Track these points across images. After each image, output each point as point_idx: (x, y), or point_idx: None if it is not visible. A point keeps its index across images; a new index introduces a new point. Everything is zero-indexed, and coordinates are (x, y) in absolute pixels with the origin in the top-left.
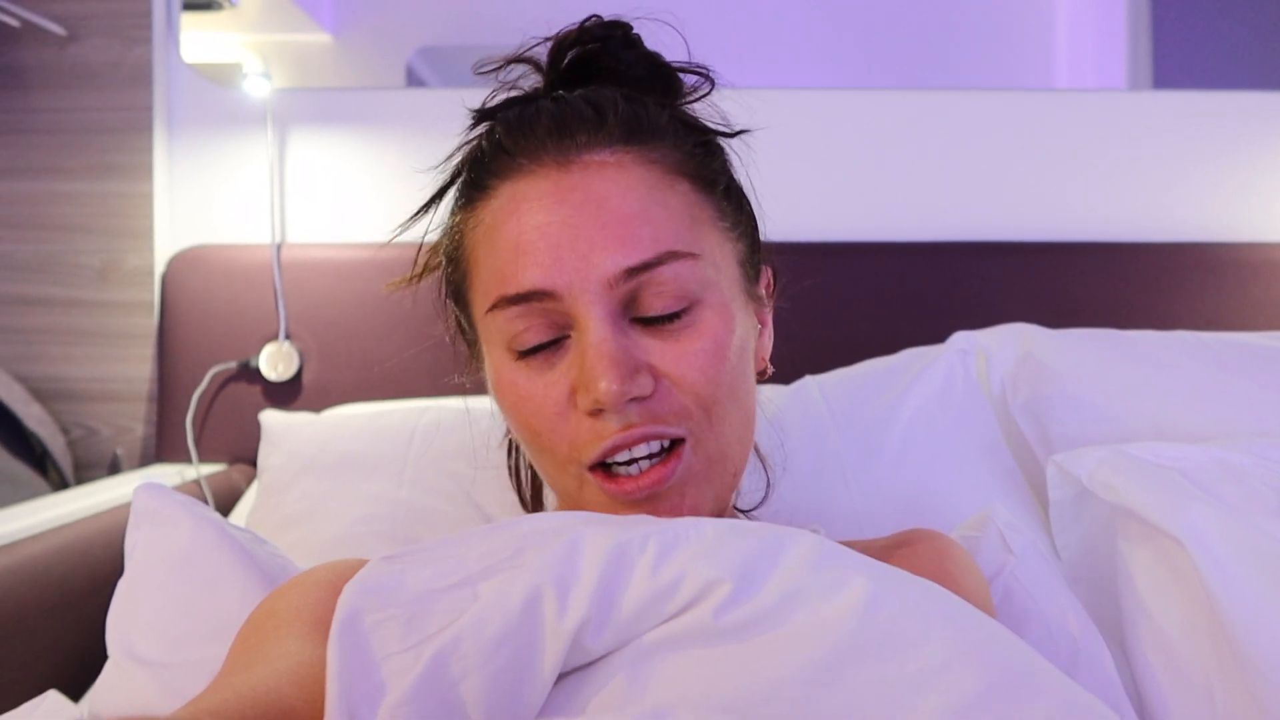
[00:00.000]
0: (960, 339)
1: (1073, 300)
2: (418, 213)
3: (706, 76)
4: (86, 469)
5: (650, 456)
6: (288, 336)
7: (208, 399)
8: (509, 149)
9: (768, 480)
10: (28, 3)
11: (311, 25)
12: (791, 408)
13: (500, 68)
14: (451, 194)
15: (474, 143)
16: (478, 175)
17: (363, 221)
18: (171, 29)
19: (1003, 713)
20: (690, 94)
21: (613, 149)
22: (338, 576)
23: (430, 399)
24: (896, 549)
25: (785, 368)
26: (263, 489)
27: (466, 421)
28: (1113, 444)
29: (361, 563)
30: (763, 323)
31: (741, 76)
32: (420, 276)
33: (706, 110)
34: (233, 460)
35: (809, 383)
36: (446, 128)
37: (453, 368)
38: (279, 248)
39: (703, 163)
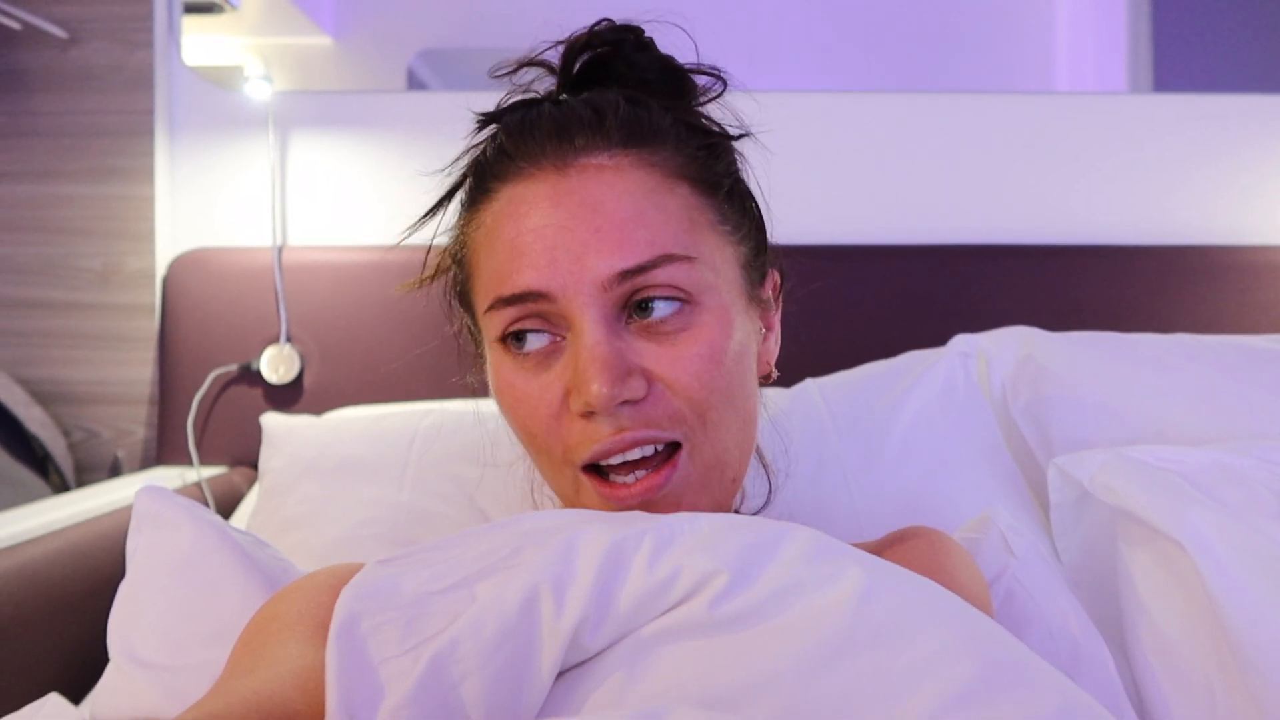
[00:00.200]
0: (961, 342)
1: (1073, 303)
2: (425, 215)
3: (719, 78)
4: (88, 472)
5: (644, 460)
6: (289, 339)
7: (209, 402)
8: (510, 152)
9: (770, 485)
10: (29, 5)
11: (313, 28)
12: (792, 410)
13: (513, 71)
14: (459, 197)
15: (480, 146)
16: (481, 178)
17: (364, 224)
18: (173, 32)
19: (997, 702)
20: (703, 96)
21: (611, 152)
22: (338, 580)
23: (431, 402)
24: (891, 546)
25: (786, 370)
26: (264, 492)
27: (468, 424)
28: (1113, 447)
29: (362, 567)
30: (768, 326)
31: (741, 79)
32: (432, 278)
33: (719, 113)
34: (234, 463)
35: (810, 385)
36: (447, 131)
37: (453, 370)
38: (280, 250)
39: (705, 166)
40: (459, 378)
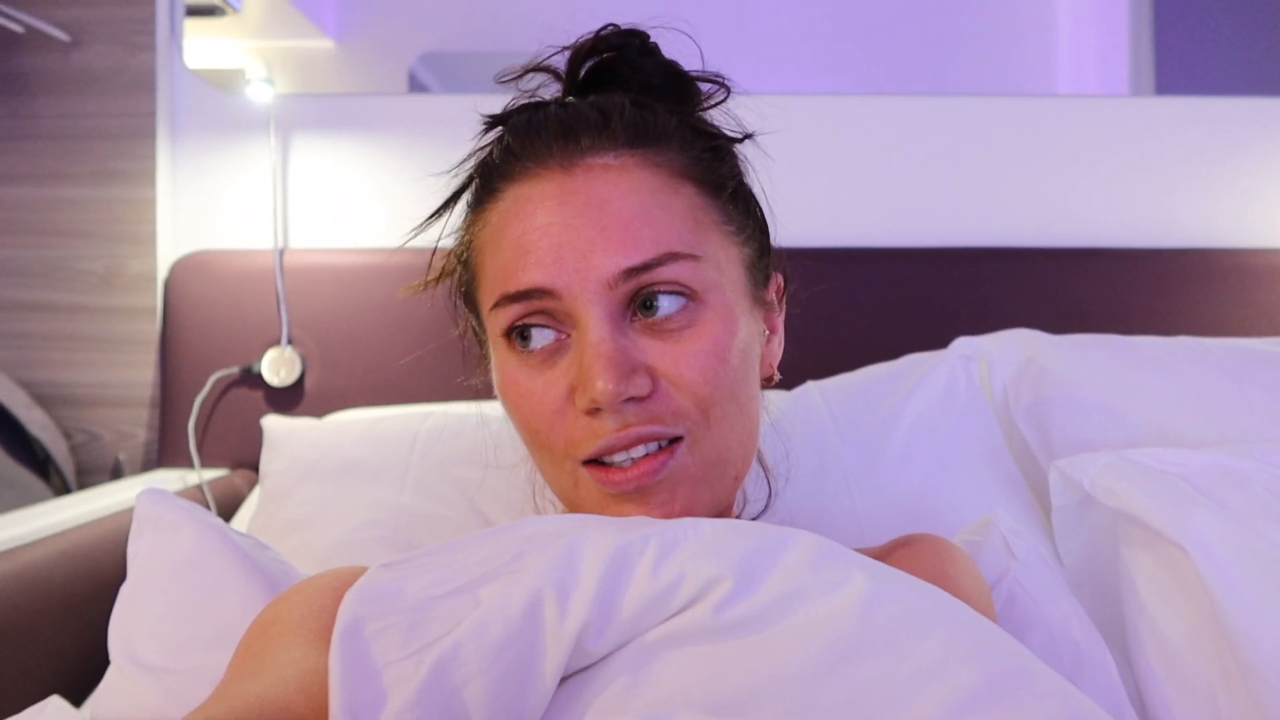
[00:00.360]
0: (962, 344)
1: (1075, 305)
2: (431, 216)
3: (723, 84)
4: (89, 474)
5: (647, 456)
6: (290, 342)
7: (210, 404)
8: (516, 152)
9: (770, 489)
10: (31, 8)
11: (314, 31)
12: (793, 413)
13: (519, 76)
14: (465, 199)
15: (486, 148)
16: (487, 179)
17: (365, 227)
18: (175, 35)
19: (1002, 708)
20: (707, 101)
21: (616, 152)
22: (341, 583)
23: (432, 404)
24: (894, 552)
25: (787, 372)
26: (265, 494)
27: (469, 427)
28: (1115, 449)
29: (365, 570)
30: (772, 328)
31: (742, 82)
32: (437, 280)
33: (722, 118)
34: (235, 465)
35: (811, 388)
36: (449, 133)
37: (455, 373)
38: (281, 253)
39: (709, 167)
40: (464, 379)
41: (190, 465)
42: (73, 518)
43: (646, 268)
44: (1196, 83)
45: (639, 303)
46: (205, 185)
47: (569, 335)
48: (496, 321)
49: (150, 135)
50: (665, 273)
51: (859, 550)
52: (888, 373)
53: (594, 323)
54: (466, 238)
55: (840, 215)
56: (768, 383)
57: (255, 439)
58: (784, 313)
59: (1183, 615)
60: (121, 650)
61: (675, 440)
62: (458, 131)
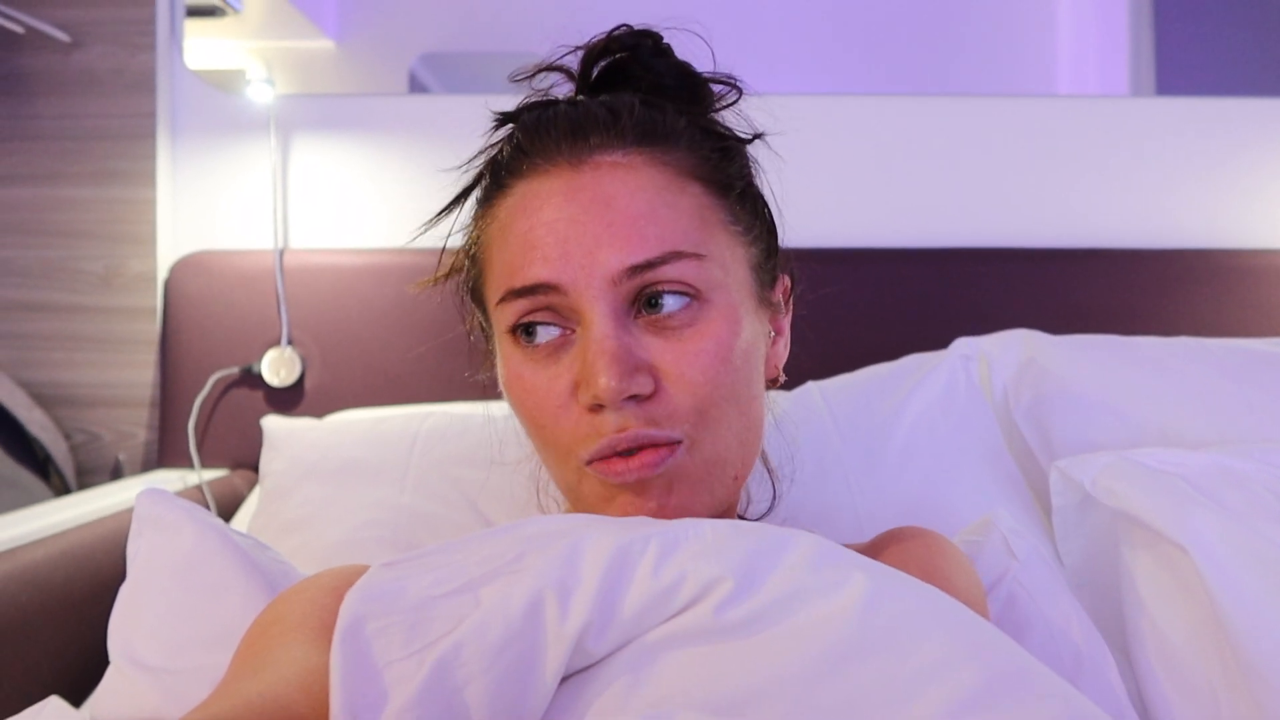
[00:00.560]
0: (962, 344)
1: (1075, 306)
2: (441, 212)
3: (734, 86)
4: (89, 474)
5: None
6: (290, 342)
7: (210, 404)
8: (526, 149)
9: (774, 491)
10: (32, 9)
11: (315, 31)
12: (794, 413)
13: (532, 76)
14: (474, 195)
15: (496, 146)
16: (496, 175)
17: (365, 227)
18: (175, 35)
19: (1002, 709)
20: (718, 102)
21: (625, 150)
22: (342, 582)
23: (433, 404)
24: (887, 546)
25: (788, 372)
26: (265, 494)
27: (469, 427)
28: (1115, 449)
29: (366, 569)
30: (778, 330)
31: (743, 82)
32: (446, 277)
33: (731, 118)
34: (235, 466)
35: (811, 388)
36: (449, 133)
37: (455, 372)
38: (282, 253)
39: (717, 167)
40: (470, 374)
41: (190, 465)
42: (73, 518)
43: (651, 265)
44: (1196, 83)
45: (643, 300)
46: (205, 185)
47: (573, 331)
48: (502, 316)
49: (150, 135)
50: (670, 271)
51: (849, 546)
52: (888, 373)
53: (598, 319)
54: (474, 233)
55: (840, 216)
56: (773, 384)
57: (255, 439)
58: (790, 315)
59: (1183, 615)
60: (121, 650)
61: (674, 443)
62: (458, 132)
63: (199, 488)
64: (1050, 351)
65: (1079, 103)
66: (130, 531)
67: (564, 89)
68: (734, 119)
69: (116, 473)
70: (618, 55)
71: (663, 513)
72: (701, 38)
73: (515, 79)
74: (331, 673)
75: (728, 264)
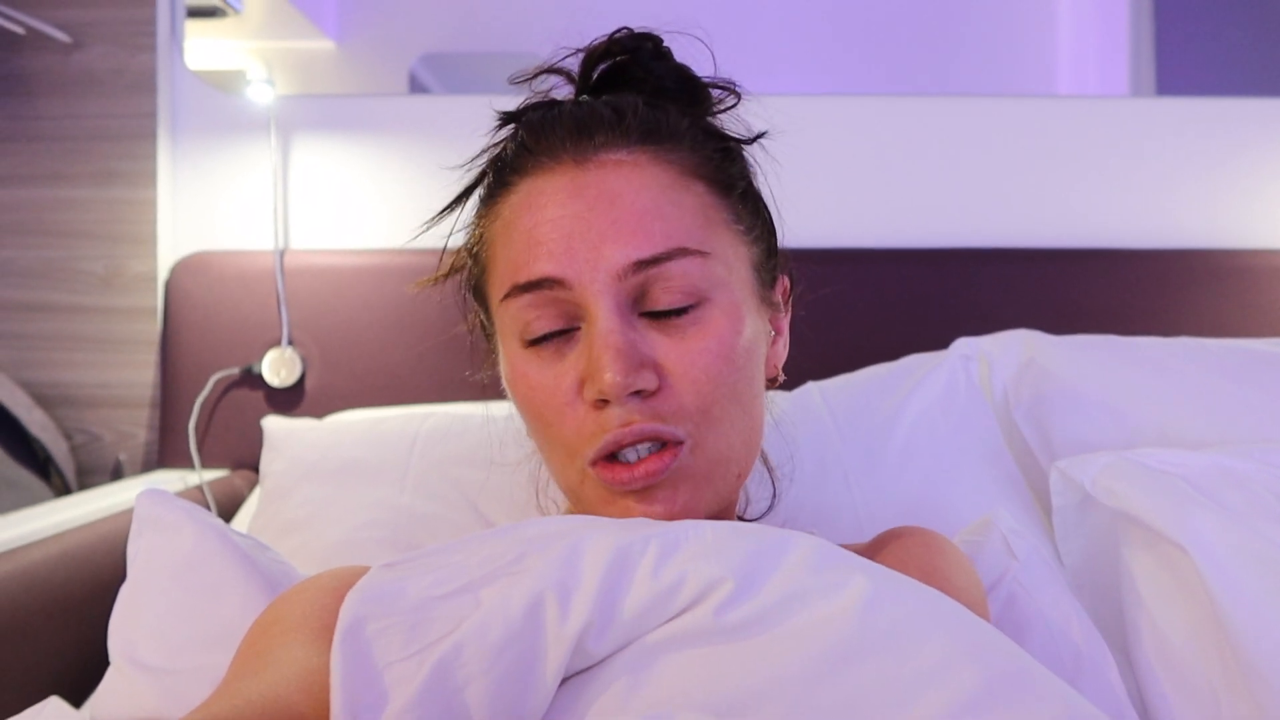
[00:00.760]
0: (962, 345)
1: (1075, 306)
2: (444, 210)
3: (733, 91)
4: (89, 475)
5: (652, 455)
6: (290, 342)
7: (210, 405)
8: (530, 147)
9: (774, 490)
10: (32, 10)
11: (315, 32)
12: (794, 413)
13: (533, 77)
14: (477, 193)
15: (499, 145)
16: (500, 173)
17: (365, 227)
18: (175, 36)
19: (1002, 711)
20: (717, 105)
21: (630, 148)
22: (342, 583)
23: (433, 405)
24: (885, 546)
25: (788, 372)
26: (265, 495)
27: (469, 427)
28: (1115, 449)
29: (366, 569)
30: (777, 330)
31: (742, 83)
32: (447, 275)
33: (729, 121)
34: (235, 466)
35: (811, 388)
36: (449, 134)
37: (455, 373)
38: (282, 254)
39: (720, 166)
40: (471, 374)
41: (190, 466)
42: (73, 518)
43: (657, 260)
44: (1196, 83)
45: (647, 297)
46: (206, 186)
47: (578, 328)
48: (506, 312)
49: (151, 136)
50: (674, 267)
51: (848, 547)
52: (888, 373)
53: (603, 314)
54: (478, 231)
55: (840, 216)
56: (772, 384)
57: (255, 439)
58: (789, 315)
59: (1183, 615)
60: (121, 651)
61: (677, 442)
62: (459, 132)
63: (199, 488)
64: (1050, 351)
65: (1079, 103)
66: (130, 532)
67: (563, 91)
68: (732, 124)
69: (117, 473)
70: (618, 58)
71: (669, 515)
72: (702, 41)
73: (515, 81)
74: (332, 673)
75: (730, 262)
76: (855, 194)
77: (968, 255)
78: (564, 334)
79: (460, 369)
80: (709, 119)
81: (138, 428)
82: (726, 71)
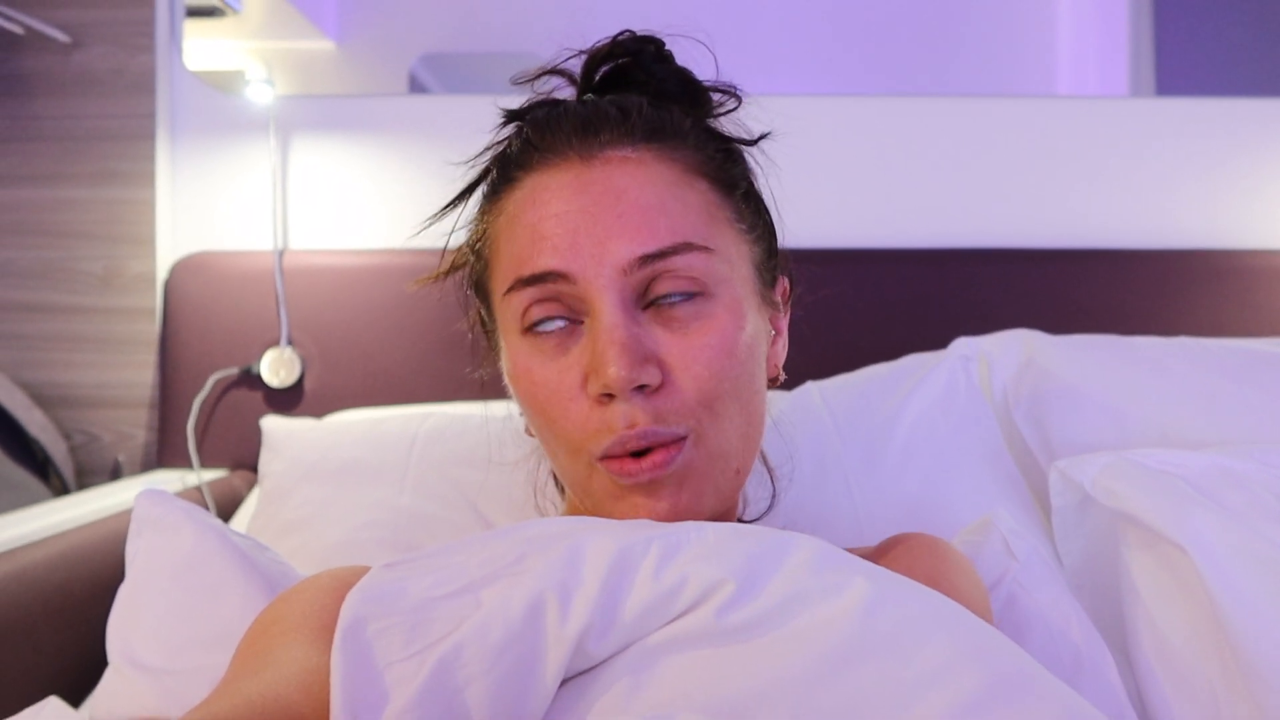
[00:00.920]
0: (962, 345)
1: (1075, 306)
2: (447, 206)
3: (734, 94)
4: (88, 475)
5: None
6: (289, 342)
7: (209, 405)
8: (535, 144)
9: (774, 490)
10: (31, 10)
11: (315, 32)
12: (793, 413)
13: (535, 78)
14: (481, 190)
15: (503, 142)
16: (504, 169)
17: (365, 228)
18: (174, 36)
19: (1003, 712)
20: (718, 108)
21: (634, 146)
22: (342, 583)
23: (432, 405)
24: (888, 551)
25: (788, 372)
26: (264, 495)
27: (468, 427)
28: (1115, 450)
29: (366, 570)
30: (777, 329)
31: (741, 83)
32: (448, 273)
33: (730, 125)
34: (234, 466)
35: (810, 388)
36: (449, 134)
37: (454, 373)
38: (281, 254)
39: (723, 166)
40: (471, 371)
41: (190, 466)
42: (72, 518)
43: (662, 255)
44: (1196, 83)
45: (650, 293)
46: (205, 186)
47: (581, 323)
48: (509, 307)
49: (150, 136)
50: (679, 262)
51: (852, 551)
52: (888, 373)
53: (608, 308)
54: (481, 227)
55: (840, 216)
56: (772, 384)
57: (255, 440)
58: (789, 315)
59: (1183, 616)
60: (120, 651)
61: (681, 439)
62: (459, 132)
63: (198, 488)
64: (1050, 351)
65: (1079, 103)
66: (129, 532)
67: (565, 93)
68: (732, 127)
69: (116, 473)
70: (621, 60)
71: (674, 511)
72: (704, 44)
73: (517, 82)
74: (332, 673)
75: (733, 260)
76: (855, 194)
77: (968, 255)
78: (567, 329)
79: (459, 369)
80: (710, 120)
81: (137, 428)
82: (727, 72)
